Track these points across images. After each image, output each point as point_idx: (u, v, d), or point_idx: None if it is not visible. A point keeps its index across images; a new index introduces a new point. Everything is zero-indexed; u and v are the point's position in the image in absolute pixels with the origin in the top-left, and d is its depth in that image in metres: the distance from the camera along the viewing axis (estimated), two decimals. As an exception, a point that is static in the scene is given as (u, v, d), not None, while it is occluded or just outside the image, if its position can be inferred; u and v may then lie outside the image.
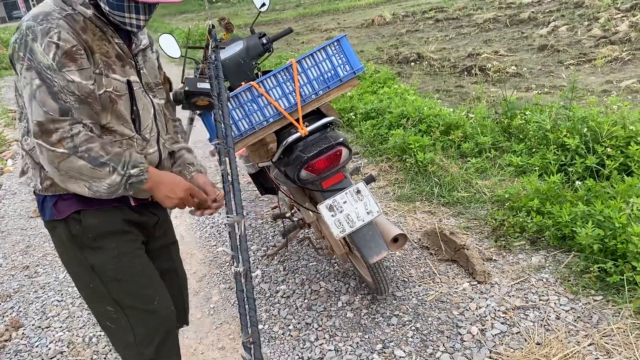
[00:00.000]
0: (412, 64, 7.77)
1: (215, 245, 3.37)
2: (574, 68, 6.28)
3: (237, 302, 2.67)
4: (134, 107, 1.55)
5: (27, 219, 4.33)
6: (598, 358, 2.01)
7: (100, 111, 1.46)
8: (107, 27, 1.49)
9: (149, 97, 1.63)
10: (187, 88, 1.93)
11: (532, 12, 10.55)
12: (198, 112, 2.56)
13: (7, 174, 5.64)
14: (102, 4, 1.43)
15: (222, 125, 1.63)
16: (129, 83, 1.53)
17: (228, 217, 1.51)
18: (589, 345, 2.09)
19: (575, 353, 2.05)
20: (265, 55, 2.88)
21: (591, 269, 2.44)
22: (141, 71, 1.62)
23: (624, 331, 2.12)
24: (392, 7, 16.00)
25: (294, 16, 17.88)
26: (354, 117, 5.16)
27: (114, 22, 1.47)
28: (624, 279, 2.31)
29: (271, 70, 2.30)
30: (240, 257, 1.44)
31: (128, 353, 1.66)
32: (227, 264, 3.11)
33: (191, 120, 3.05)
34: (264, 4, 2.83)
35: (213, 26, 1.90)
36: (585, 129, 3.30)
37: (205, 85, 1.92)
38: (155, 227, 1.75)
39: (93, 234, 1.54)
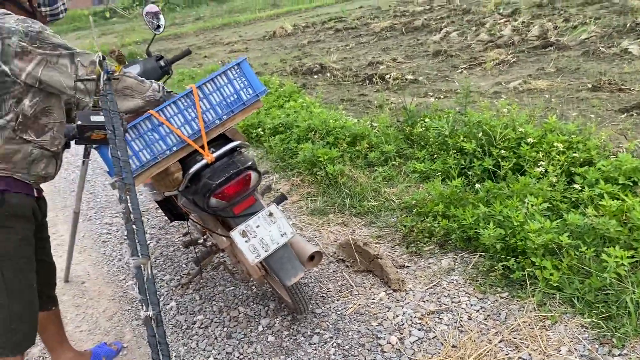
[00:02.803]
0: (316, 75, 7.88)
1: (124, 280, 3.19)
2: (466, 72, 6.68)
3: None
4: None
5: None
6: (508, 354, 2.13)
7: None
8: None
9: None
10: (79, 122, 1.81)
11: (425, 19, 11.11)
12: (94, 145, 2.41)
13: None
14: None
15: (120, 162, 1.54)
16: None
17: (133, 258, 1.43)
18: (499, 342, 2.20)
19: (487, 351, 2.16)
20: (165, 78, 2.79)
21: (496, 267, 2.59)
22: None
23: (529, 325, 2.26)
24: (292, 19, 16.18)
25: (194, 30, 17.52)
26: (262, 132, 5.13)
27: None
28: (525, 274, 2.47)
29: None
30: (149, 300, 1.38)
31: None
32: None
33: (87, 154, 2.87)
34: (158, 26, 2.74)
35: (104, 57, 1.80)
36: (481, 133, 3.51)
37: (99, 118, 1.81)
38: (42, 222, 1.98)
39: (9, 213, 1.72)
